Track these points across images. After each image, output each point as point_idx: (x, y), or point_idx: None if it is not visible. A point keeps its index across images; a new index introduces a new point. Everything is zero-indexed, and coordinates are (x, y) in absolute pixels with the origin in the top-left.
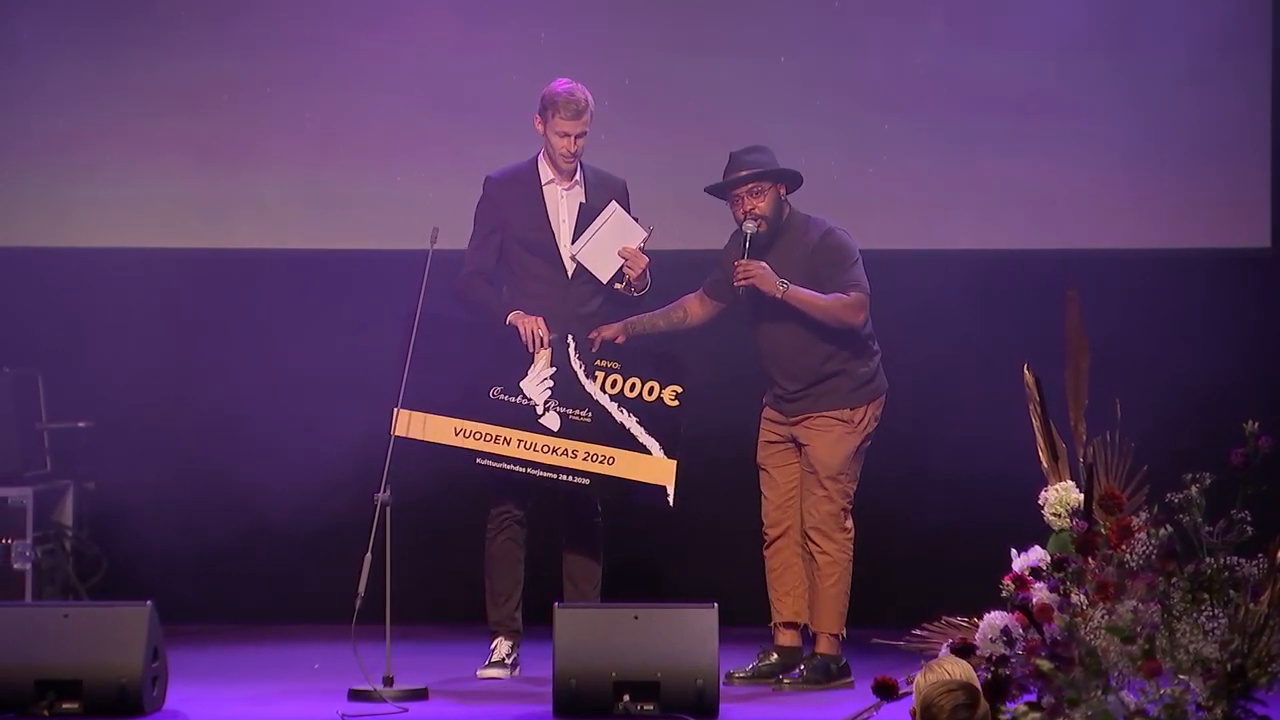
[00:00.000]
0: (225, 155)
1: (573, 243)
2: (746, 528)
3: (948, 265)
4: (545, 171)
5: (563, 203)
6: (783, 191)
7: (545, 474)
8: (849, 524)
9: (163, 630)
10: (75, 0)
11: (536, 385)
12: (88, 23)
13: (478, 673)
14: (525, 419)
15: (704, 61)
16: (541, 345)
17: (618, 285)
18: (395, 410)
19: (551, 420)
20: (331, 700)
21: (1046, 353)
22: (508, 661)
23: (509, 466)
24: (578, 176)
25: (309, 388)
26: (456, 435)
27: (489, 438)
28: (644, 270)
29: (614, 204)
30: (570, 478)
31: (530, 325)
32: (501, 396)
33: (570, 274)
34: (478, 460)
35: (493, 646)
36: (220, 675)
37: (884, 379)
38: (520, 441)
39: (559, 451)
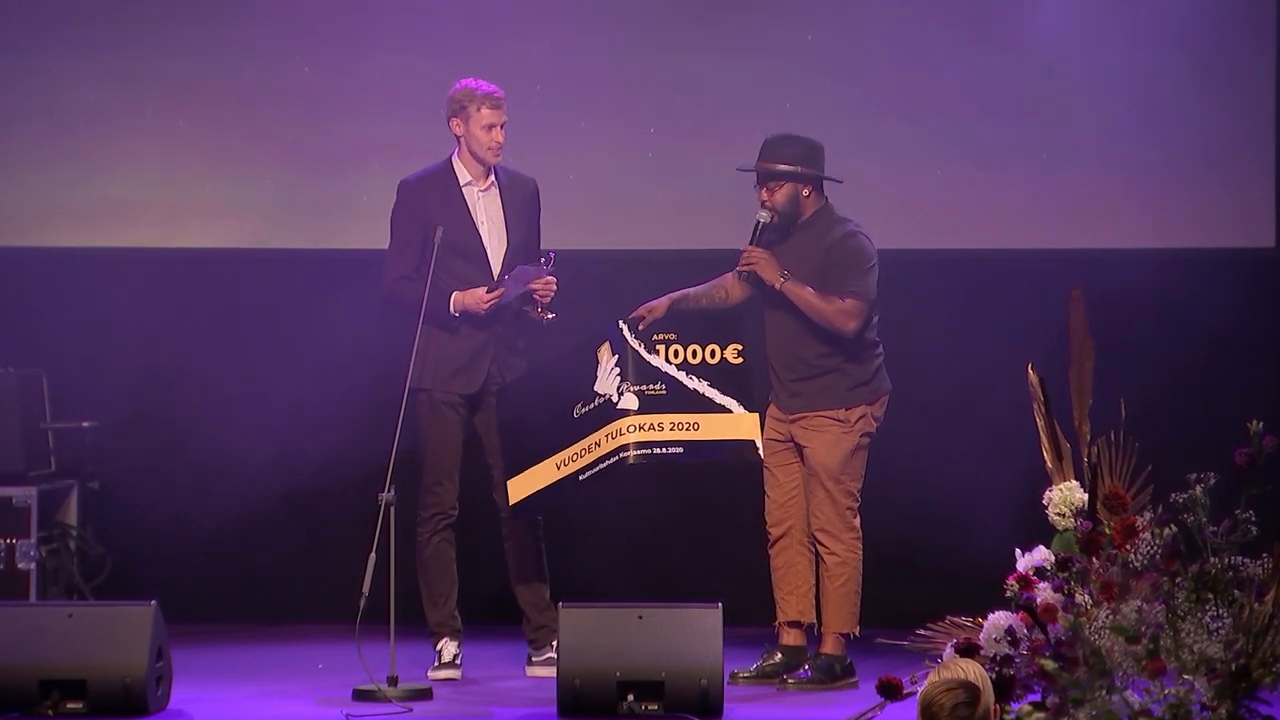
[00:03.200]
0: (225, 156)
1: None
2: (749, 527)
3: (948, 265)
4: (462, 173)
5: (480, 204)
6: (805, 190)
7: (639, 453)
8: (856, 523)
9: (167, 630)
10: (77, 2)
11: (606, 379)
12: (90, 23)
13: (429, 674)
14: (607, 414)
15: (707, 62)
16: (498, 288)
17: (525, 307)
18: (506, 485)
19: (630, 401)
20: (336, 699)
21: (1049, 352)
22: (457, 662)
23: (606, 464)
24: (492, 177)
25: (313, 387)
26: (559, 469)
27: (582, 451)
28: (552, 294)
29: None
30: (664, 449)
31: (480, 304)
32: (583, 410)
33: (496, 276)
34: (580, 479)
35: (438, 649)
36: (224, 675)
37: (885, 380)
38: (608, 435)
39: (645, 427)
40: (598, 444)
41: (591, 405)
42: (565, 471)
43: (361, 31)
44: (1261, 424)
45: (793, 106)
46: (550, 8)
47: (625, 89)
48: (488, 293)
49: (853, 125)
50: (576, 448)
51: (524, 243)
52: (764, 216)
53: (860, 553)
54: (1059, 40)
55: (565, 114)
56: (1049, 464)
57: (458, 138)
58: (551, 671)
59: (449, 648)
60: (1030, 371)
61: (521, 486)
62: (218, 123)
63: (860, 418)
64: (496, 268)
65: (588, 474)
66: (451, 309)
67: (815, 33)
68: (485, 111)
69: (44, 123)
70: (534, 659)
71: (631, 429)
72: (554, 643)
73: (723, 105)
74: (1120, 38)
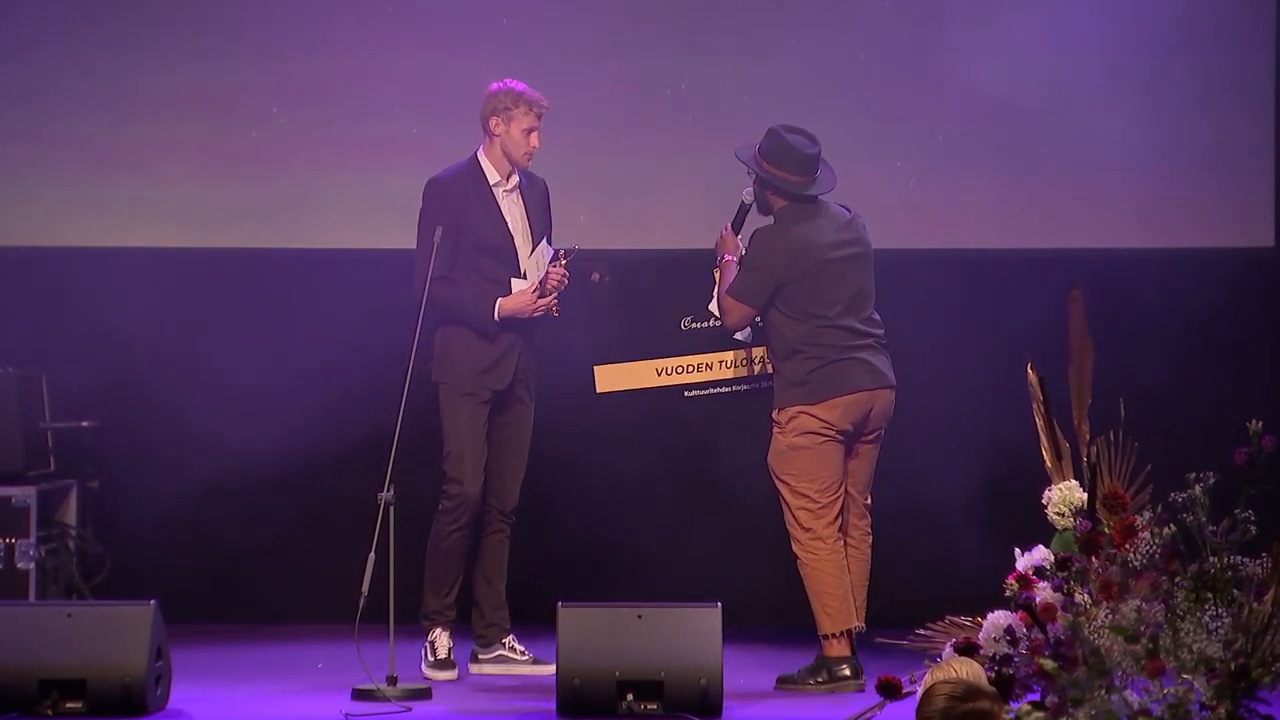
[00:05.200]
0: (226, 156)
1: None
2: (750, 526)
3: (948, 265)
4: (491, 172)
5: (506, 204)
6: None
7: (751, 386)
8: (812, 524)
9: (166, 629)
10: (81, 2)
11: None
12: (93, 24)
13: (424, 671)
14: (723, 339)
15: (709, 62)
16: (555, 309)
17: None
18: (593, 369)
19: (744, 333)
20: (335, 699)
21: (1048, 352)
22: (452, 660)
23: (715, 390)
24: (516, 177)
25: (312, 387)
26: (660, 375)
27: (691, 368)
28: (562, 286)
29: (544, 242)
30: (771, 381)
31: (529, 306)
32: (694, 325)
33: (524, 276)
34: (685, 394)
35: (432, 641)
36: (224, 674)
37: (835, 383)
38: (722, 362)
39: (758, 360)
40: (709, 366)
41: (703, 324)
42: (667, 382)
43: (359, 31)
44: (1261, 424)
45: (793, 107)
46: (553, 6)
47: (624, 89)
48: (535, 296)
49: (853, 125)
50: (683, 361)
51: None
52: (745, 198)
53: (819, 554)
54: (1059, 41)
55: (565, 113)
56: (1048, 463)
57: (494, 135)
58: (499, 669)
59: (443, 640)
60: (1029, 371)
61: (611, 378)
62: (219, 123)
63: (792, 419)
64: (524, 268)
65: (694, 393)
66: (496, 316)
67: (815, 33)
68: (530, 118)
69: (42, 124)
70: (480, 656)
71: (743, 363)
72: (504, 641)
73: (724, 105)
74: (1120, 38)
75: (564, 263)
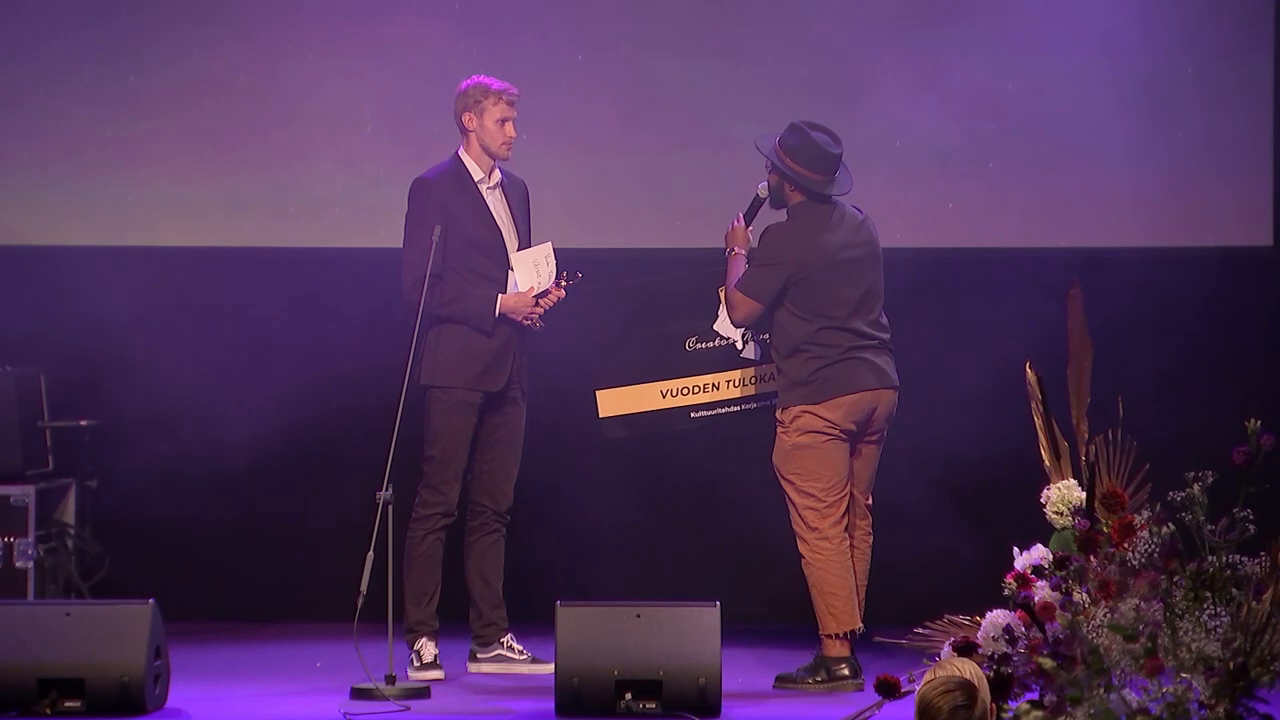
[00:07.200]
0: (226, 155)
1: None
2: (749, 526)
3: (947, 265)
4: (474, 169)
5: (489, 200)
6: (787, 182)
7: (760, 405)
8: (818, 524)
9: (165, 629)
10: (81, 3)
11: (728, 321)
12: (92, 24)
13: (410, 675)
14: (728, 358)
15: (701, 63)
16: (538, 322)
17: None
18: (595, 393)
19: (751, 351)
20: (334, 699)
21: (1048, 352)
22: (438, 663)
23: (724, 410)
24: (498, 174)
25: (310, 386)
26: (665, 397)
27: (698, 389)
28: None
29: (549, 245)
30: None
31: (526, 309)
32: (699, 345)
33: (508, 273)
34: (692, 415)
35: (418, 649)
36: (223, 673)
37: (839, 382)
38: (729, 381)
39: (765, 379)
40: (716, 386)
41: (710, 344)
42: (672, 404)
43: (357, 32)
44: (1260, 423)
45: (790, 108)
46: (547, 7)
47: (619, 89)
48: (534, 301)
49: (851, 125)
50: (689, 382)
51: (526, 243)
52: (760, 191)
53: (825, 554)
54: (1059, 41)
55: (558, 114)
56: (1047, 462)
57: (469, 132)
58: (498, 669)
59: (428, 648)
60: (1028, 370)
61: (614, 402)
62: (219, 122)
63: (796, 418)
64: (512, 264)
65: (700, 414)
66: (497, 312)
67: (810, 34)
68: (501, 106)
69: (42, 124)
70: (479, 655)
71: (752, 381)
72: (502, 640)
73: (718, 106)
74: (1120, 37)
75: (564, 284)
